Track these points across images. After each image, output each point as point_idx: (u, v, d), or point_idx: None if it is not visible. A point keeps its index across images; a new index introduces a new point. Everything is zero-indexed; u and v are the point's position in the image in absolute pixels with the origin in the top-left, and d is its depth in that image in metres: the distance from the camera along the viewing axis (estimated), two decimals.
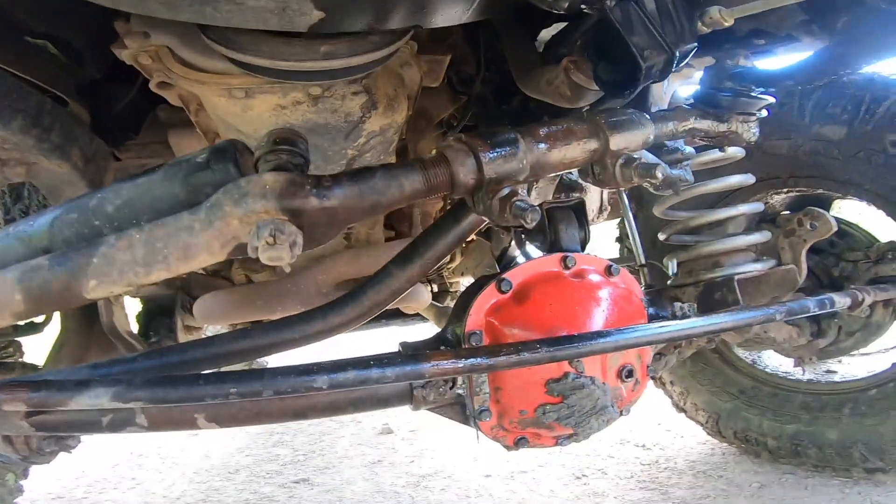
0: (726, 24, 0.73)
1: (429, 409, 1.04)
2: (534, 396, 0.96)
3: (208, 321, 1.76)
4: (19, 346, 1.63)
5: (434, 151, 0.70)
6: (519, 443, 1.05)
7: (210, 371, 0.79)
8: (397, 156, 1.34)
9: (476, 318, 0.97)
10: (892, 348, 1.88)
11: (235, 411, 0.92)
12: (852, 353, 1.76)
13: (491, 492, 1.88)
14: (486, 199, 0.67)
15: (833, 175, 1.57)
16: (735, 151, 1.23)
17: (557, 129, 0.73)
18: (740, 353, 1.91)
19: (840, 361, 1.93)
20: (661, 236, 1.47)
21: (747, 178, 1.38)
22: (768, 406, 1.82)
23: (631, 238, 1.68)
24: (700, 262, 1.35)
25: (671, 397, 2.05)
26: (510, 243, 2.30)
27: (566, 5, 0.70)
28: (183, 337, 1.81)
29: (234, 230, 0.62)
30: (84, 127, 1.16)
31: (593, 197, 2.23)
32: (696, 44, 0.73)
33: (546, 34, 1.20)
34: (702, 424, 1.98)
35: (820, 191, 1.65)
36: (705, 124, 0.86)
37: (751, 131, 0.91)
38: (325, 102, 0.98)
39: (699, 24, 0.73)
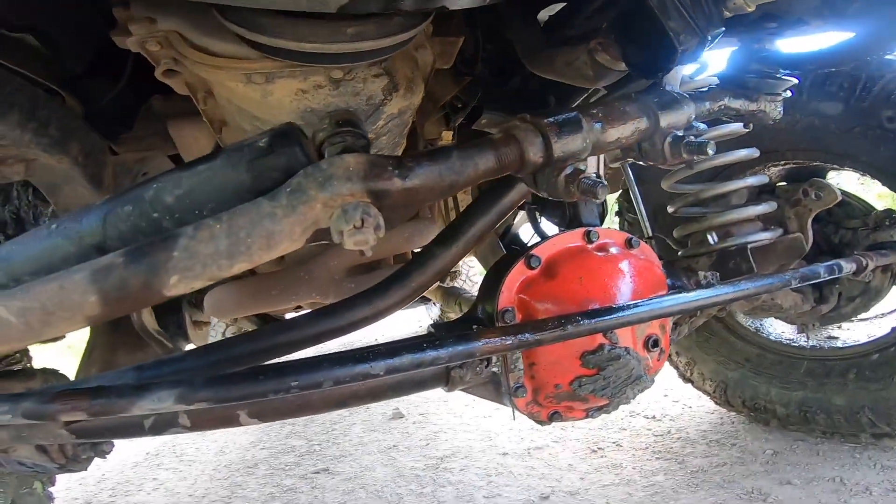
0: (748, 10, 0.76)
1: (462, 390, 1.06)
2: (569, 370, 0.98)
3: (221, 314, 1.75)
4: (26, 351, 1.62)
5: (501, 132, 0.71)
6: (552, 417, 1.07)
7: (266, 364, 0.79)
8: (406, 139, 1.34)
9: (508, 295, 0.98)
10: (890, 313, 1.95)
11: (278, 404, 0.91)
12: (852, 318, 1.83)
13: (511, 469, 1.92)
14: (550, 177, 0.69)
15: (830, 148, 1.64)
16: (739, 127, 1.27)
17: (612, 110, 0.75)
18: (744, 321, 1.96)
19: (840, 327, 1.99)
20: (671, 209, 1.51)
21: (752, 152, 1.43)
22: (774, 373, 1.88)
23: (637, 211, 1.72)
24: (711, 232, 1.39)
25: (677, 368, 2.11)
26: (513, 220, 2.31)
27: None
28: (192, 332, 1.80)
29: (317, 215, 0.61)
30: (80, 120, 1.13)
31: (591, 172, 2.26)
32: (723, 28, 0.76)
33: (543, 14, 1.21)
34: (709, 394, 2.04)
35: (816, 163, 1.70)
36: (738, 103, 0.90)
37: (777, 110, 0.95)
38: (347, 86, 0.96)
39: (723, 9, 0.76)
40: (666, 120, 0.77)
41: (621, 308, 0.87)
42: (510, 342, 0.78)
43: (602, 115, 0.74)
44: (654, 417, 2.19)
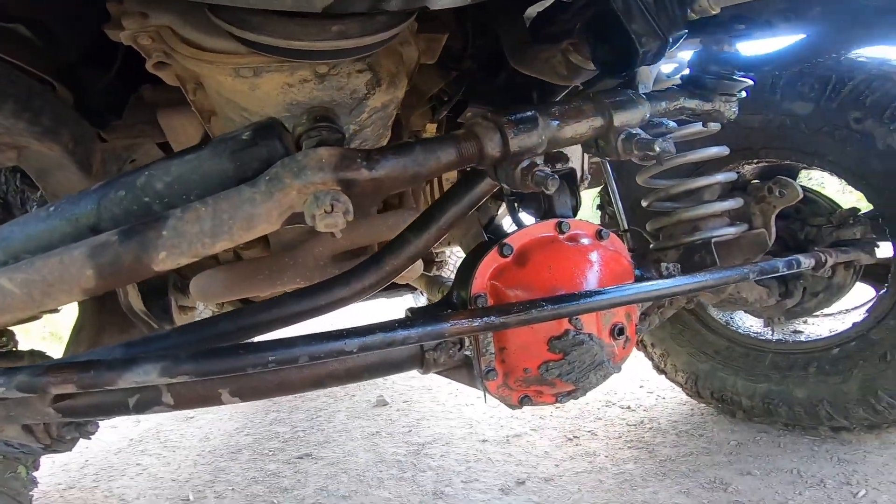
0: (713, 12, 0.81)
1: (437, 373, 1.11)
2: (537, 354, 1.03)
3: (207, 299, 1.78)
4: (12, 334, 1.64)
5: (464, 128, 0.76)
6: (523, 401, 1.12)
7: (246, 342, 0.83)
8: (392, 130, 1.39)
9: (481, 281, 1.03)
10: (852, 309, 2.03)
11: (257, 383, 0.95)
12: (816, 313, 1.90)
13: (489, 456, 1.98)
14: (508, 170, 0.75)
15: (800, 147, 1.70)
16: (712, 125, 1.33)
17: (569, 108, 0.81)
18: (715, 314, 2.04)
19: (806, 322, 2.07)
20: (644, 203, 1.57)
21: (722, 150, 1.49)
22: (741, 366, 1.95)
23: (614, 205, 1.78)
24: (680, 226, 1.46)
25: (652, 359, 2.18)
26: (497, 212, 2.38)
27: None
28: (177, 317, 1.83)
29: (292, 200, 0.67)
30: (71, 109, 1.17)
31: (575, 167, 2.33)
32: (686, 30, 0.81)
33: (531, 11, 1.26)
34: (681, 385, 2.11)
35: (788, 162, 1.77)
36: (693, 103, 0.95)
37: (731, 110, 1.01)
38: (331, 80, 1.01)
39: (689, 11, 0.81)
40: (620, 119, 0.83)
41: (584, 295, 0.92)
42: (477, 324, 0.83)
43: (559, 113, 0.79)
44: (628, 407, 2.26)
